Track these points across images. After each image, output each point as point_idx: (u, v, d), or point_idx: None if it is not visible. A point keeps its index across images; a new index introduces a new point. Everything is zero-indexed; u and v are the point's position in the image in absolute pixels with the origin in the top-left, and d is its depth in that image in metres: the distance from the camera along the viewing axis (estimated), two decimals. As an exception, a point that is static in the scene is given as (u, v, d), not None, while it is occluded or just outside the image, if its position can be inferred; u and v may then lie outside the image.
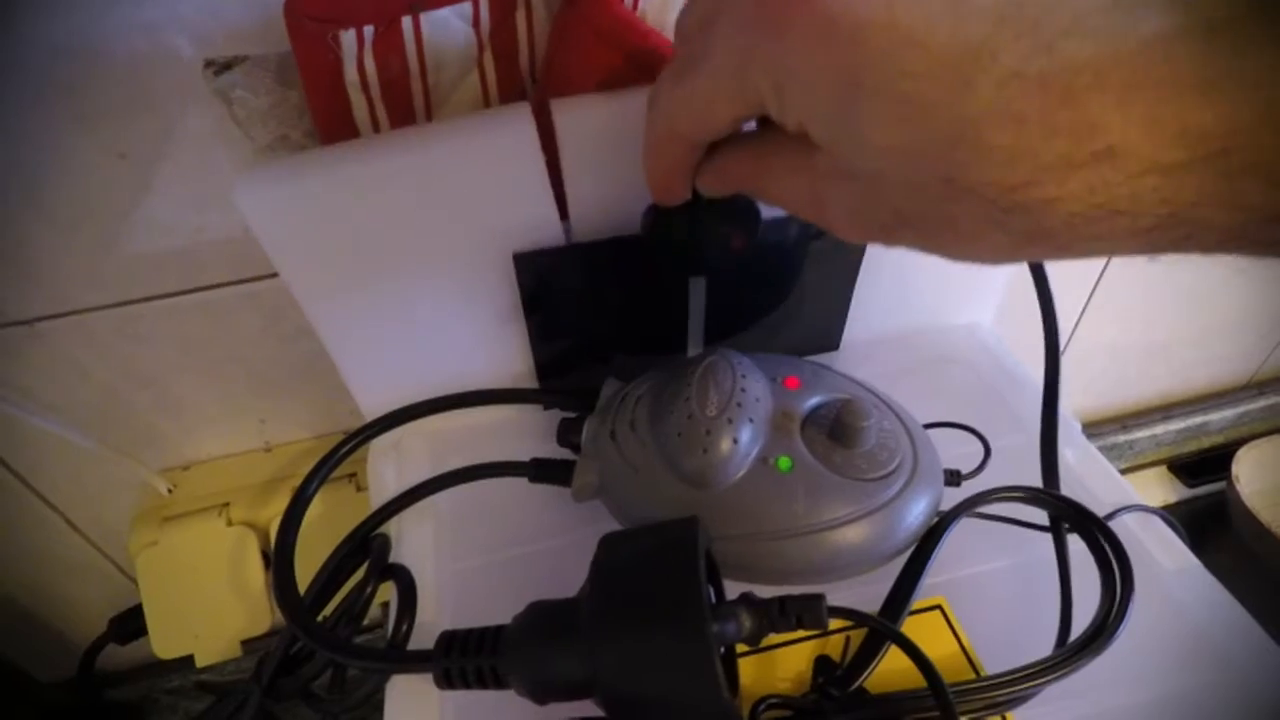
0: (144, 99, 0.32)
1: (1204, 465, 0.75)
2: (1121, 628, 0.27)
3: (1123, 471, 0.76)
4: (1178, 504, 0.76)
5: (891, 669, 0.27)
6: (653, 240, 0.30)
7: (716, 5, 0.21)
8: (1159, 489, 0.76)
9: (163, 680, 0.60)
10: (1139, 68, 0.15)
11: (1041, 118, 0.16)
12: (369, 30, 0.27)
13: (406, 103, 0.29)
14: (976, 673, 0.28)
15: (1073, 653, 0.26)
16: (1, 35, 0.30)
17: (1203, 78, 0.15)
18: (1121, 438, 0.72)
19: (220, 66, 0.27)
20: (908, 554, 0.29)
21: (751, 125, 0.23)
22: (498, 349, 0.37)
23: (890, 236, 0.20)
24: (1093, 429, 0.73)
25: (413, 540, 0.35)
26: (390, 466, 0.37)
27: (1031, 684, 0.26)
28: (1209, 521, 0.75)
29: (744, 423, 0.29)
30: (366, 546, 0.34)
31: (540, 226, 0.32)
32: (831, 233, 0.22)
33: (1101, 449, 0.70)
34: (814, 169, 0.21)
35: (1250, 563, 0.68)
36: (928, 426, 0.32)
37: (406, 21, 0.27)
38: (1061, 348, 0.65)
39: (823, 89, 0.18)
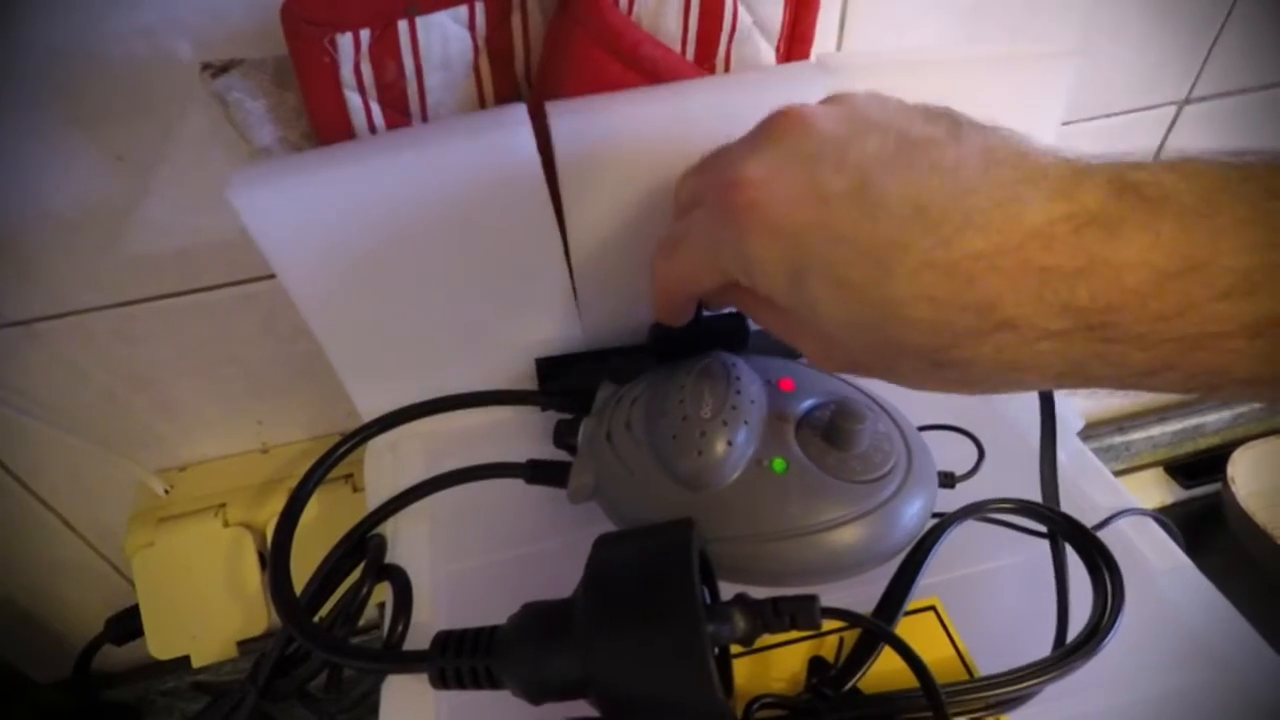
0: (142, 101, 0.32)
1: (1200, 467, 0.75)
2: (1112, 633, 0.27)
3: (1119, 473, 0.76)
4: (1174, 505, 0.76)
5: (886, 670, 0.27)
6: (658, 348, 0.35)
7: (697, 192, 0.26)
8: (1155, 490, 0.76)
9: (158, 681, 0.60)
10: (1025, 256, 0.18)
11: (949, 298, 0.19)
12: (365, 33, 0.27)
13: (403, 105, 0.29)
14: (970, 673, 0.29)
15: (1065, 656, 0.26)
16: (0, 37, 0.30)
17: (1078, 265, 0.18)
18: (1118, 439, 0.73)
19: (218, 69, 0.27)
20: (902, 556, 0.29)
21: None
22: (495, 350, 0.37)
23: (856, 371, 0.24)
24: (1090, 431, 0.73)
25: (409, 541, 0.35)
26: (387, 467, 0.37)
27: (1024, 685, 0.26)
28: (1205, 523, 0.75)
29: (739, 425, 0.29)
30: (363, 547, 0.34)
31: (537, 232, 0.32)
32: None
33: (1098, 451, 0.70)
34: (786, 318, 0.25)
35: (1246, 564, 0.68)
36: (922, 429, 0.32)
37: (402, 25, 0.27)
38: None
39: (778, 274, 0.22)
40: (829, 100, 0.24)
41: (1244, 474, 0.70)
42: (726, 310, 0.34)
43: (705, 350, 0.33)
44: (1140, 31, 0.45)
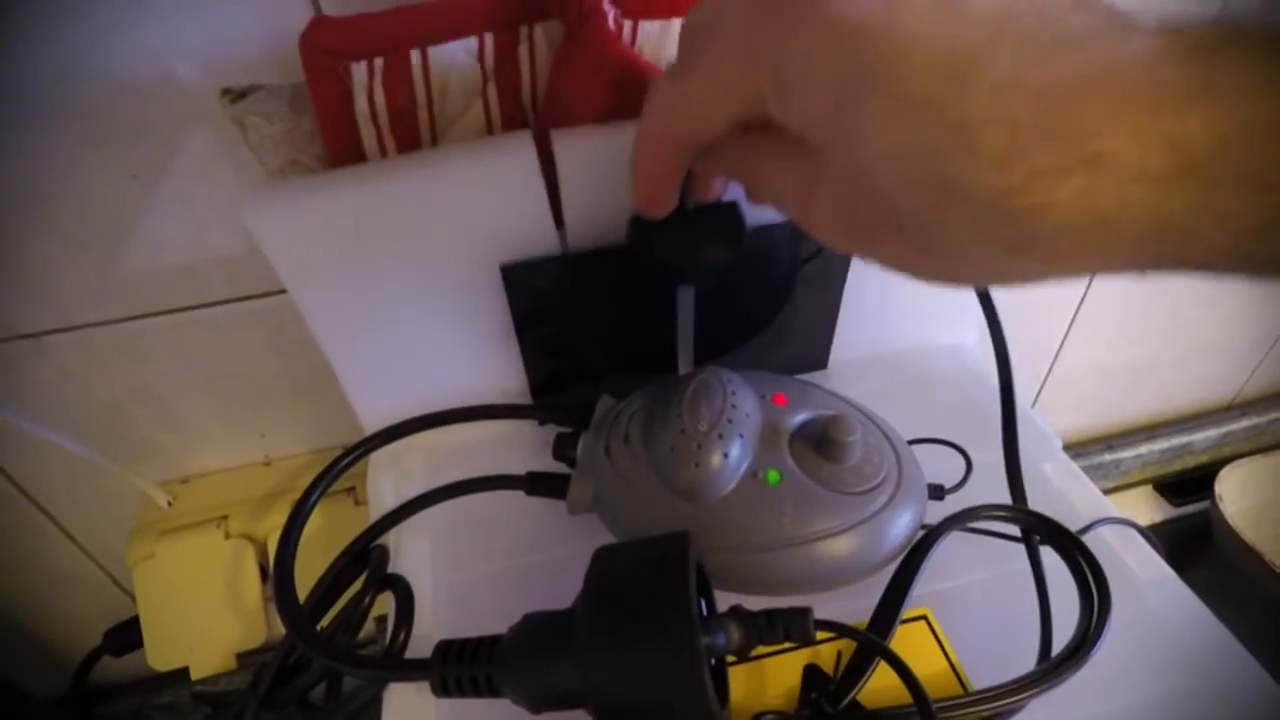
0: (153, 122, 0.34)
1: (1188, 485, 0.77)
2: (1101, 641, 0.27)
3: (1109, 491, 0.77)
4: (1164, 523, 0.77)
5: (885, 683, 0.28)
6: (638, 249, 0.30)
7: (721, 5, 0.21)
8: (1145, 508, 0.77)
9: (155, 695, 0.60)
10: (1127, 81, 0.16)
11: (1034, 123, 0.16)
12: (379, 62, 0.28)
13: (413, 131, 0.31)
14: (962, 684, 0.29)
15: (1054, 666, 0.27)
16: (8, 55, 0.31)
17: (1186, 92, 0.15)
18: (1107, 457, 0.74)
19: (237, 94, 0.28)
20: (894, 567, 0.30)
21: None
22: (494, 365, 0.38)
23: (874, 242, 0.20)
24: (1079, 449, 0.74)
25: (411, 551, 0.35)
26: (389, 479, 0.38)
27: (1016, 699, 0.26)
28: (1194, 540, 0.76)
29: (734, 438, 0.30)
30: (365, 557, 0.35)
31: (540, 250, 0.33)
32: (814, 236, 0.22)
33: (1087, 469, 0.72)
34: (807, 169, 0.21)
35: (1235, 580, 0.69)
36: (912, 443, 0.33)
37: (415, 55, 0.28)
38: (1046, 370, 0.67)
39: (824, 88, 0.18)
40: None
41: (1232, 492, 0.71)
42: (718, 199, 0.30)
43: (690, 251, 0.30)
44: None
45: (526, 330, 0.37)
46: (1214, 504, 0.71)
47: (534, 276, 0.34)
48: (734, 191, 0.30)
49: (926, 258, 0.20)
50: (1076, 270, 0.18)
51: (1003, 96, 0.16)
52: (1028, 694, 0.26)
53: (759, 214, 0.30)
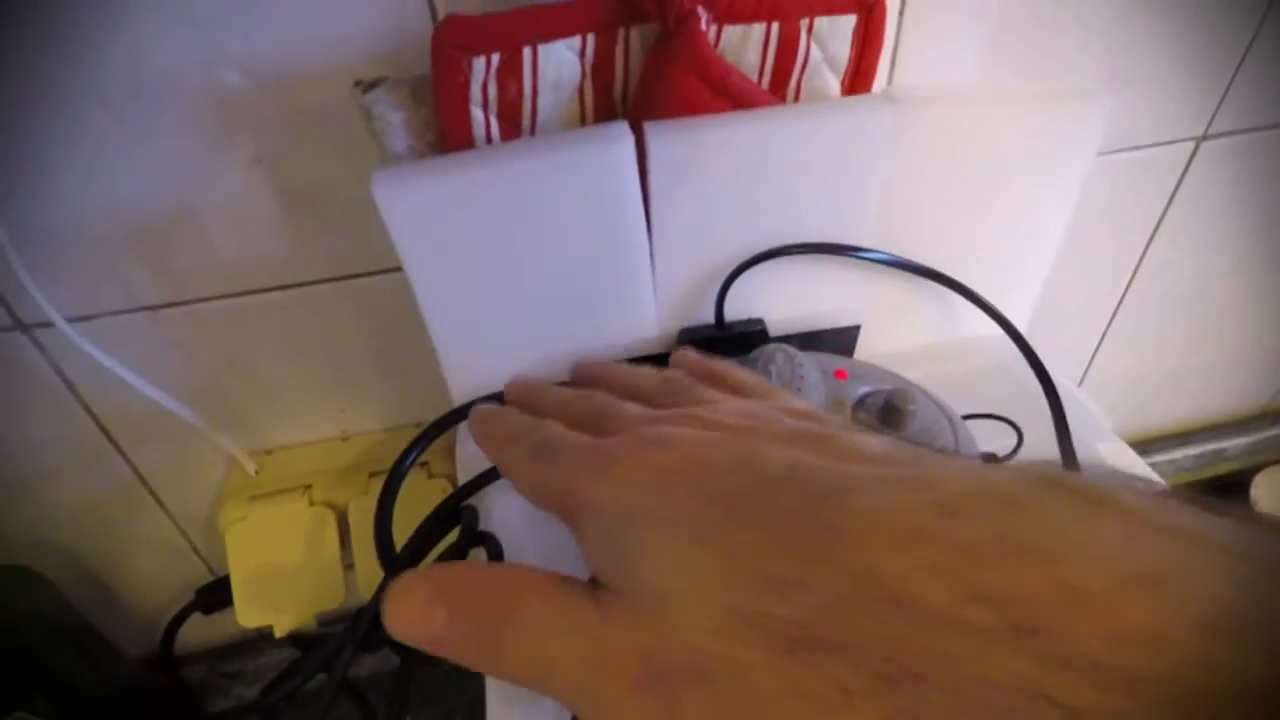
0: (283, 111, 0.37)
1: (1221, 491, 0.78)
2: None
3: (1141, 495, 0.78)
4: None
5: None
6: None
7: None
8: (1177, 515, 0.78)
9: (223, 664, 0.63)
10: None
11: None
12: (495, 57, 0.31)
13: (517, 120, 0.34)
14: None
15: None
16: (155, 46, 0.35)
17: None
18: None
19: (367, 85, 0.32)
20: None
21: None
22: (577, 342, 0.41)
23: None
24: (1111, 454, 0.76)
25: (499, 513, 0.38)
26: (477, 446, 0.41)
27: None
28: (1225, 545, 0.77)
29: (804, 406, 0.33)
30: (454, 517, 0.38)
31: (628, 235, 0.36)
32: None
33: (1120, 472, 0.73)
34: None
35: (1266, 585, 0.70)
36: (965, 418, 0.36)
37: (526, 51, 0.32)
38: (1081, 375, 0.69)
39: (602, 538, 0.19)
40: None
41: (1266, 497, 0.73)
42: (749, 318, 0.41)
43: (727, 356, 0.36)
44: (1160, 70, 0.50)
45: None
46: (1249, 509, 0.72)
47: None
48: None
49: None
50: None
51: None
52: None
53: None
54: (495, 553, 0.36)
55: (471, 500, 0.39)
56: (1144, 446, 0.76)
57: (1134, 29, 0.47)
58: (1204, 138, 0.54)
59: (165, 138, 0.37)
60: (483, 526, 0.38)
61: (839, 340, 0.44)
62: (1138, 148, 0.54)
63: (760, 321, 0.42)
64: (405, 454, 0.38)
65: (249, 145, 0.38)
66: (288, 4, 0.34)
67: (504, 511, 0.38)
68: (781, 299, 0.41)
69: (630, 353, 0.42)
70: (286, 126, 0.38)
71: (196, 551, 0.58)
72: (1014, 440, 0.36)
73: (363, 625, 0.37)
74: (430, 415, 0.41)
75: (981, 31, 0.44)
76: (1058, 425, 0.37)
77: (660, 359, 0.42)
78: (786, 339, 0.41)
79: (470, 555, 0.37)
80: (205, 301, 0.44)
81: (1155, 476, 0.38)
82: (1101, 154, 0.52)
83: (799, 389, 0.33)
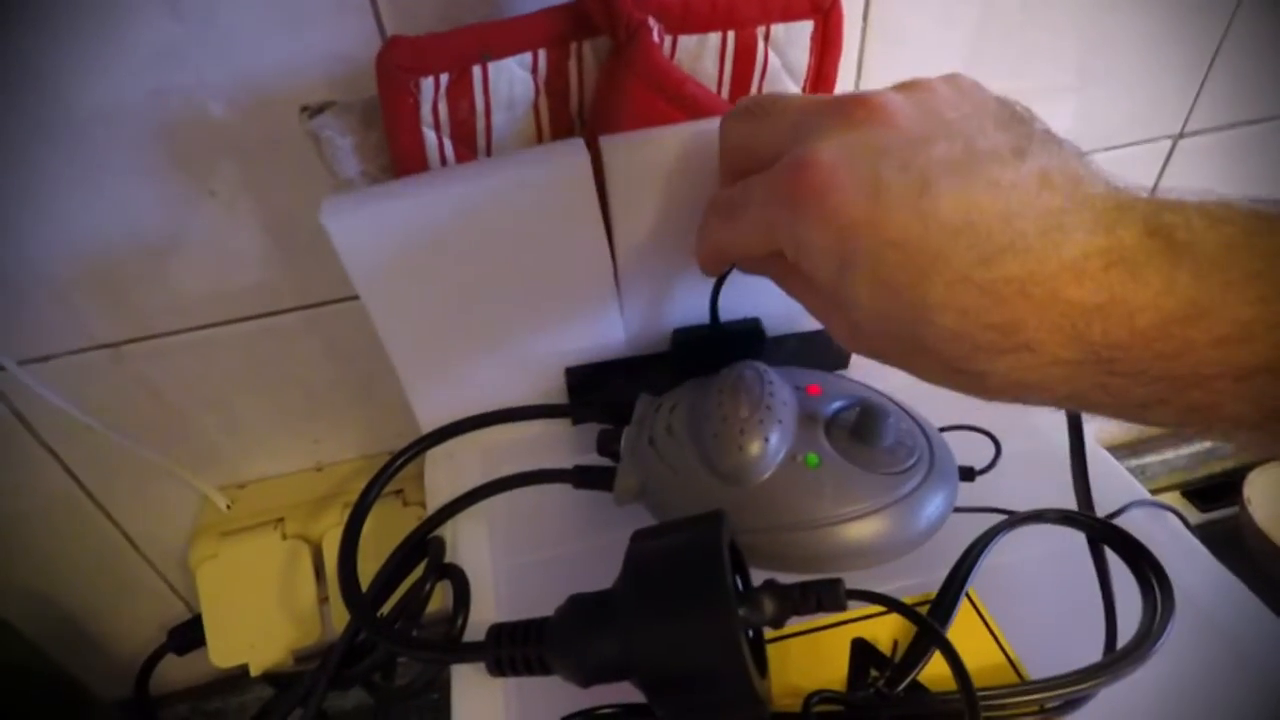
0: (233, 142, 0.37)
1: (1216, 490, 0.77)
2: (1162, 640, 0.28)
3: (1136, 497, 0.77)
4: (1192, 528, 0.77)
5: (941, 671, 0.27)
6: (680, 357, 0.40)
7: (746, 190, 0.27)
8: (1173, 514, 0.77)
9: (204, 703, 0.62)
10: (1055, 287, 0.20)
11: (978, 313, 0.21)
12: (444, 77, 0.31)
13: (471, 140, 0.33)
14: (1012, 664, 0.29)
15: (1117, 660, 0.27)
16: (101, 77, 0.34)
17: (1099, 301, 0.20)
18: (1134, 462, 0.74)
19: (314, 110, 0.31)
20: (931, 549, 0.31)
21: None
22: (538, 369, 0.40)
23: (876, 358, 0.26)
24: (1106, 454, 0.75)
25: (466, 542, 0.37)
26: (445, 474, 0.40)
27: (1079, 688, 0.26)
28: (1223, 545, 0.75)
29: (774, 424, 0.32)
30: (423, 548, 0.37)
31: (589, 251, 0.36)
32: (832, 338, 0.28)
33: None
34: (821, 298, 0.27)
35: (1265, 584, 0.69)
36: (941, 430, 0.35)
37: (476, 70, 0.31)
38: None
39: (824, 259, 0.23)
40: (909, 87, 0.25)
41: (1260, 496, 0.72)
42: (745, 317, 0.40)
43: (723, 356, 0.36)
44: (1133, 69, 0.49)
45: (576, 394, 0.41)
46: (1243, 508, 0.71)
47: (594, 375, 0.41)
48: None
49: (914, 375, 0.25)
50: (1022, 403, 0.23)
51: (955, 290, 0.21)
52: (1089, 685, 0.26)
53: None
54: (460, 585, 0.35)
55: (441, 530, 0.38)
56: (1137, 446, 0.75)
57: (1105, 29, 0.46)
58: (1181, 135, 0.54)
59: (116, 173, 0.37)
60: (450, 557, 0.37)
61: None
62: (1115, 147, 0.53)
63: (756, 320, 0.41)
64: (368, 489, 0.37)
65: (203, 177, 0.37)
66: (237, 35, 0.34)
67: (471, 540, 0.37)
68: (778, 297, 0.40)
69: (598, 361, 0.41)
70: (240, 157, 0.37)
71: (175, 591, 0.56)
72: (992, 452, 0.35)
73: (332, 663, 0.36)
74: (407, 441, 0.40)
75: (950, 37, 0.44)
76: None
77: (632, 362, 0.41)
78: (783, 338, 0.41)
79: (436, 588, 0.36)
80: (167, 336, 0.43)
81: (1137, 484, 0.37)
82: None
83: (769, 405, 0.32)
